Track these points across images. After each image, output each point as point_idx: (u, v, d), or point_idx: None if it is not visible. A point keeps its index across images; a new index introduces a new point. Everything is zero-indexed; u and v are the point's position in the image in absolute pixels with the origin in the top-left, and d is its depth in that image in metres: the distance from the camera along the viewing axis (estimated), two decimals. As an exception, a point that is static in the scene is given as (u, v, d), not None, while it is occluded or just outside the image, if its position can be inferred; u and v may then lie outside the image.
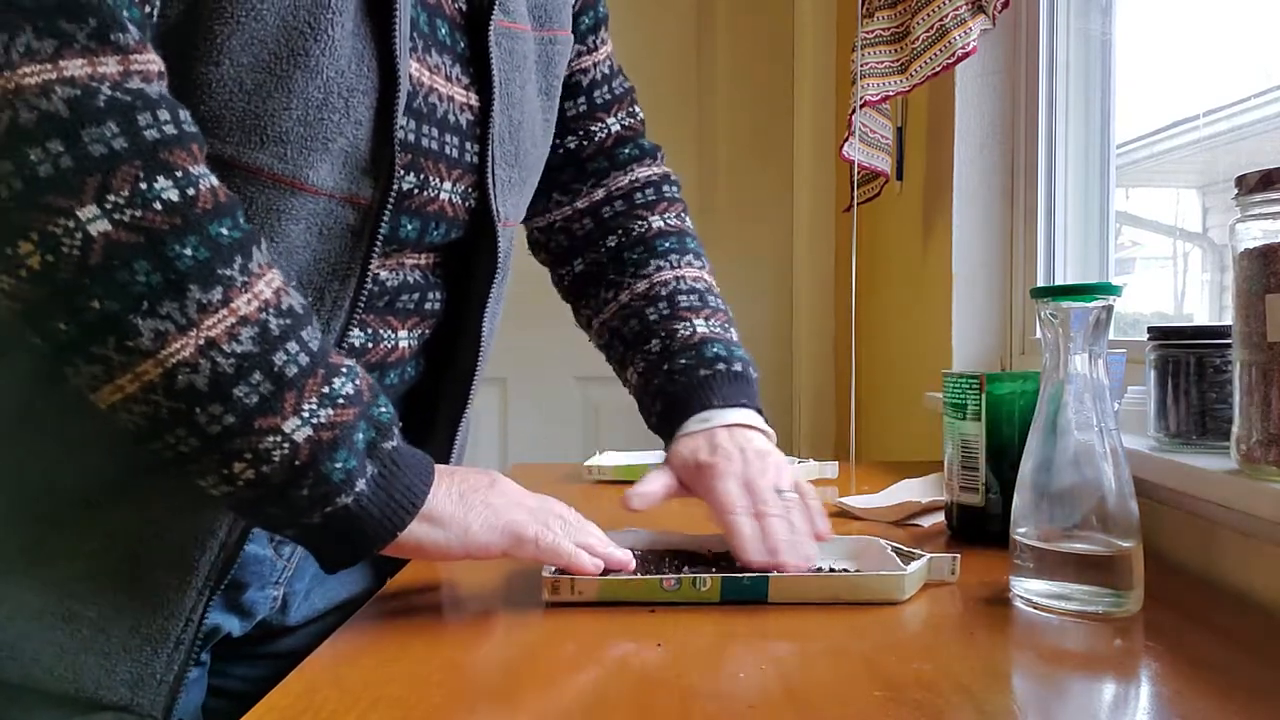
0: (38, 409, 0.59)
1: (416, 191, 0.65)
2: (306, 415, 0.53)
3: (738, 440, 0.75)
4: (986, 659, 0.54)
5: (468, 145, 0.70)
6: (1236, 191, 0.66)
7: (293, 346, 0.53)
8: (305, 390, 0.53)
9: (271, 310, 0.53)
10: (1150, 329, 0.82)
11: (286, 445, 0.52)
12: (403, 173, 0.64)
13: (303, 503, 0.54)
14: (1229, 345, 0.71)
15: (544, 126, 0.80)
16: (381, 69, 0.61)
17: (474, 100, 0.70)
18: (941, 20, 1.37)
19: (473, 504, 0.60)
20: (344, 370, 0.56)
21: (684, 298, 0.84)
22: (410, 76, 0.63)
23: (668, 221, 0.90)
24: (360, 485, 0.55)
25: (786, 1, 2.33)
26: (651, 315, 0.83)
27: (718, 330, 0.83)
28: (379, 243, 0.63)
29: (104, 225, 0.48)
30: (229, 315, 0.51)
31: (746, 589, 0.63)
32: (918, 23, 1.43)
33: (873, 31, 1.55)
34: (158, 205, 0.49)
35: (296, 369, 0.53)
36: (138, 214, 0.49)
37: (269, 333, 0.52)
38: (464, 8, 0.69)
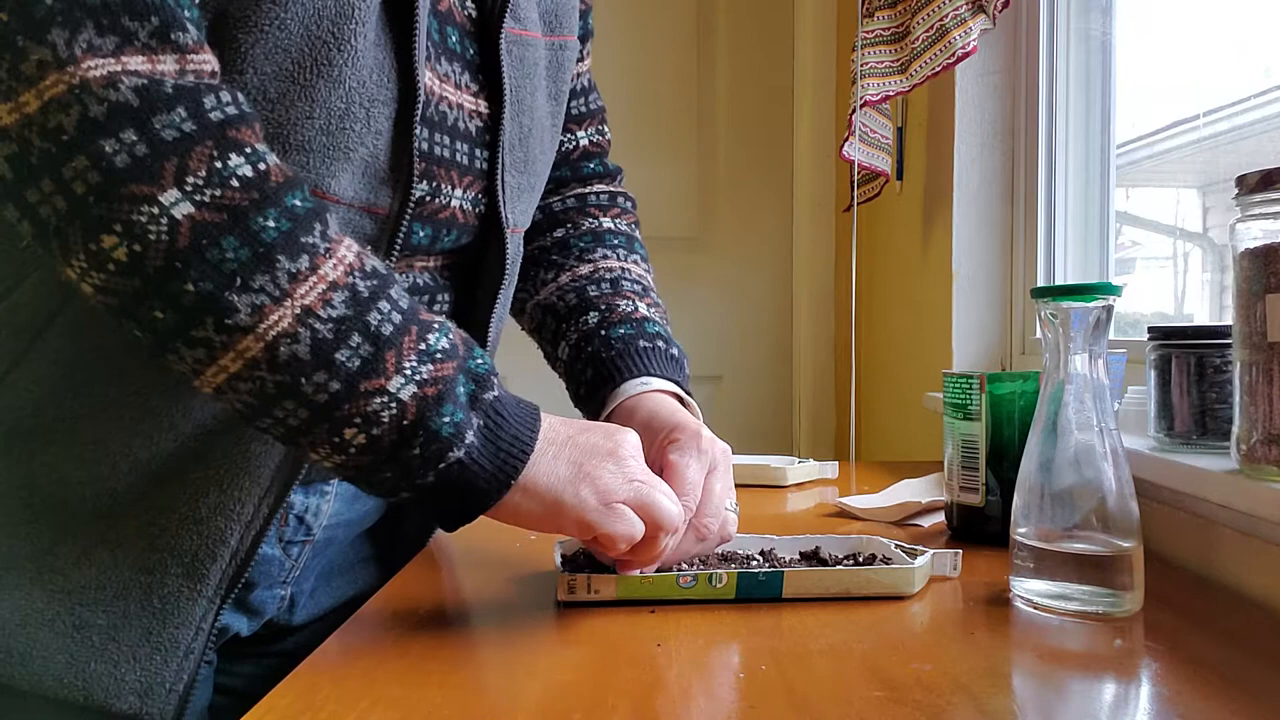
0: (49, 419, 0.59)
1: (429, 199, 0.66)
2: (409, 373, 0.52)
3: (695, 414, 0.72)
4: (986, 659, 0.54)
5: (477, 152, 0.69)
6: (1236, 191, 0.66)
7: (384, 305, 0.53)
8: (404, 348, 0.53)
9: (357, 273, 0.53)
10: (1150, 329, 0.82)
11: (394, 405, 0.52)
12: (417, 181, 0.64)
13: (415, 462, 0.53)
14: (1229, 345, 0.71)
15: (552, 132, 0.80)
16: (401, 79, 0.61)
17: (483, 107, 0.70)
18: (941, 20, 1.37)
19: (584, 473, 0.57)
20: (436, 325, 0.55)
21: (628, 283, 0.82)
22: (424, 85, 0.63)
23: (618, 224, 0.89)
24: (470, 438, 0.54)
25: (786, 1, 2.33)
26: (592, 291, 0.81)
27: (659, 317, 0.81)
28: (395, 251, 0.63)
29: (187, 208, 0.48)
30: (319, 281, 0.51)
31: (762, 585, 0.63)
32: (918, 23, 1.43)
33: (873, 31, 1.55)
34: (234, 182, 0.50)
35: (392, 327, 0.53)
36: (217, 193, 0.49)
37: (359, 295, 0.52)
38: (474, 14, 0.69)
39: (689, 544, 0.64)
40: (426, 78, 0.64)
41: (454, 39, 0.67)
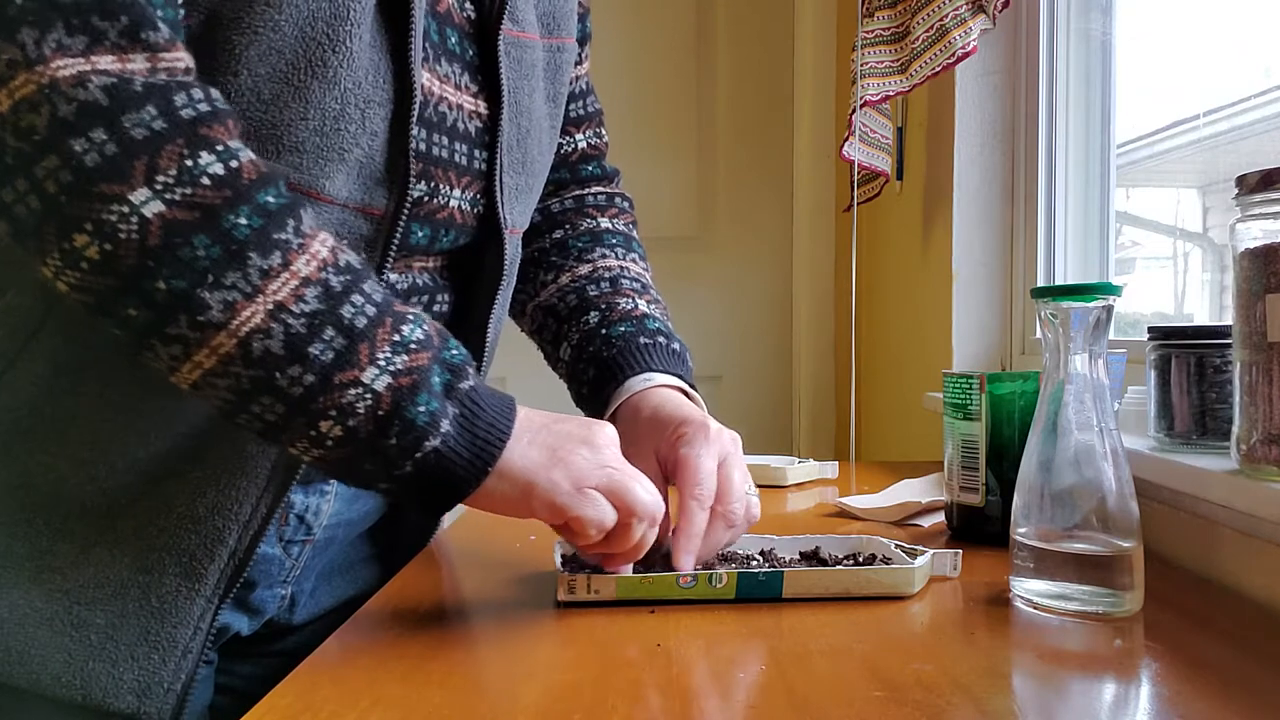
0: (45, 419, 0.59)
1: (427, 199, 0.66)
2: (383, 364, 0.53)
3: (701, 406, 0.73)
4: (986, 659, 0.54)
5: (476, 153, 0.70)
6: (1237, 191, 0.66)
7: (358, 299, 0.53)
8: (377, 340, 0.53)
9: (330, 268, 0.53)
10: (1150, 329, 0.82)
11: (369, 396, 0.52)
12: (415, 181, 0.64)
13: (393, 452, 0.53)
14: (1229, 345, 0.71)
15: (550, 133, 0.80)
16: (397, 81, 0.61)
17: (482, 108, 0.70)
18: (941, 20, 1.37)
19: (558, 458, 0.57)
20: (410, 317, 0.55)
21: (627, 282, 0.83)
22: (421, 86, 0.63)
23: (615, 224, 0.89)
24: (445, 426, 0.54)
25: (786, 2, 2.33)
26: (592, 291, 0.82)
27: (659, 314, 0.81)
28: (392, 252, 0.63)
29: (158, 206, 0.49)
30: (291, 278, 0.51)
31: (761, 585, 0.63)
32: (918, 22, 1.43)
33: (873, 31, 1.55)
34: (205, 180, 0.50)
35: (365, 320, 0.53)
36: (188, 191, 0.49)
37: (332, 289, 0.52)
38: (473, 16, 0.69)
39: (720, 533, 0.64)
40: (426, 78, 0.64)
41: (453, 40, 0.67)
